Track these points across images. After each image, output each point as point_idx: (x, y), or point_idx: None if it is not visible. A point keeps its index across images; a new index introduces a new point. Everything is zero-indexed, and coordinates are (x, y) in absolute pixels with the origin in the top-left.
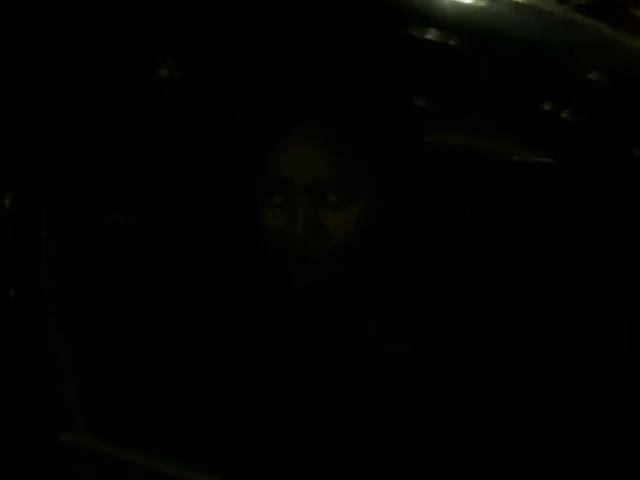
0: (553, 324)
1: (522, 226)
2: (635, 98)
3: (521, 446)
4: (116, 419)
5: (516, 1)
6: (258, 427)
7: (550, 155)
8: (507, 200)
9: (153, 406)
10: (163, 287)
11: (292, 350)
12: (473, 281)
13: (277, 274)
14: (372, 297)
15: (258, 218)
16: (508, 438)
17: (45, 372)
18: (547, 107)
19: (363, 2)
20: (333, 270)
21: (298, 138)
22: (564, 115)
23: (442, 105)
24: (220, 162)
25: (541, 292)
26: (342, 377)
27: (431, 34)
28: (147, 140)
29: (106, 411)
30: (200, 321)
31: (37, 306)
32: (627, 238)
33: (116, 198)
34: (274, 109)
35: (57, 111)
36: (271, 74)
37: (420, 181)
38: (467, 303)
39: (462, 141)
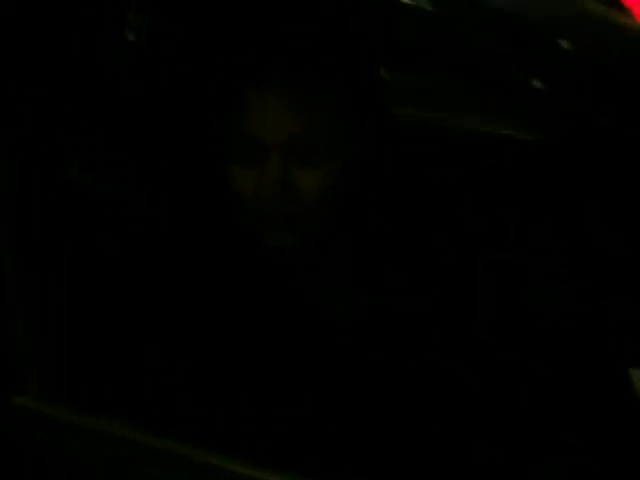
0: (515, 304)
1: (490, 201)
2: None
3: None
4: (71, 384)
5: None
6: (216, 385)
7: (522, 126)
8: (476, 173)
9: (108, 370)
10: (127, 247)
11: (260, 312)
12: (434, 252)
13: (247, 235)
14: (338, 262)
15: (228, 178)
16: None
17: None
18: (519, 77)
19: None
20: (303, 231)
21: (270, 95)
22: (537, 85)
23: (413, 71)
24: (189, 120)
25: (507, 272)
26: (305, 343)
27: None
28: (115, 98)
29: (61, 376)
30: (165, 281)
31: None
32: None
33: (85, 157)
34: (244, 66)
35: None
36: (241, 29)
37: (388, 146)
38: (428, 275)
39: (432, 109)
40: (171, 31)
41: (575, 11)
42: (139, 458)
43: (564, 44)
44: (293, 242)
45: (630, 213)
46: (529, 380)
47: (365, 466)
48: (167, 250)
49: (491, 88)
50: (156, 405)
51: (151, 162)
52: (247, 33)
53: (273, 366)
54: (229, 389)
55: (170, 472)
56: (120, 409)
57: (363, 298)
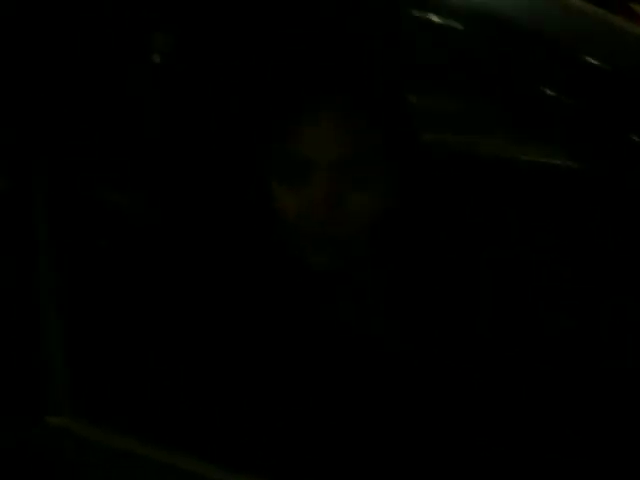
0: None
1: (523, 220)
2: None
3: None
4: (105, 404)
5: None
6: (255, 412)
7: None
8: (508, 196)
9: (143, 392)
10: (165, 270)
11: (298, 333)
12: (473, 277)
13: (293, 257)
14: (374, 285)
15: (274, 199)
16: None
17: (36, 357)
18: (549, 94)
19: None
20: (346, 253)
21: (319, 117)
22: (565, 101)
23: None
24: (233, 143)
25: (540, 291)
26: (342, 364)
27: (437, 18)
28: (156, 120)
29: (95, 396)
30: (202, 302)
31: (29, 289)
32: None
33: (123, 180)
34: (294, 88)
35: (54, 94)
36: (290, 53)
37: (424, 171)
38: (469, 301)
39: (463, 132)
40: (220, 50)
41: (598, 25)
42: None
43: (594, 60)
44: (336, 264)
45: None
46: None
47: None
48: (205, 269)
49: (521, 108)
50: (190, 426)
51: (194, 179)
52: (300, 56)
53: (311, 388)
54: (267, 410)
55: None
56: (151, 429)
57: (397, 320)
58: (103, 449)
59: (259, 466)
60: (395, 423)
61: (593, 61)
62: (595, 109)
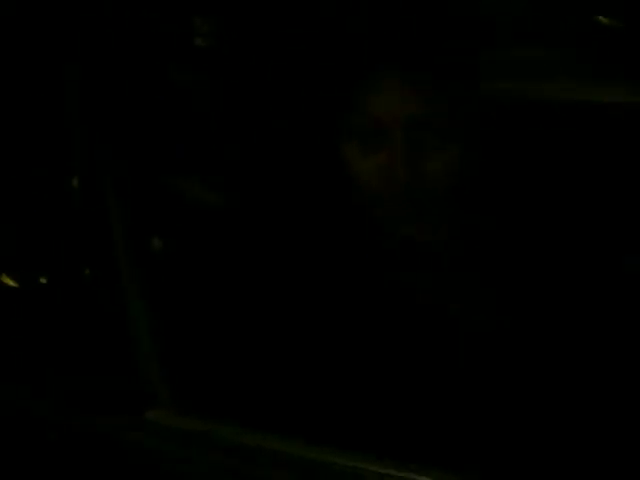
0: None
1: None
2: None
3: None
4: (199, 395)
5: None
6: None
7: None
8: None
9: (235, 380)
10: (249, 258)
11: (383, 307)
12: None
13: (368, 224)
14: (455, 254)
15: (350, 168)
16: None
17: (131, 354)
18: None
19: None
20: (428, 220)
21: (392, 78)
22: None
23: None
24: (309, 106)
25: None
26: (430, 339)
27: None
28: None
29: (188, 388)
30: (284, 284)
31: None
32: None
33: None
34: (359, 50)
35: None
36: (354, 15)
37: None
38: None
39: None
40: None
41: None
42: (270, 465)
43: None
44: (418, 231)
45: None
46: None
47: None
48: (285, 248)
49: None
50: (284, 410)
51: (266, 154)
52: (369, 20)
53: (397, 365)
54: (357, 388)
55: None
56: (250, 417)
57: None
58: (204, 441)
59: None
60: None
61: None
62: None
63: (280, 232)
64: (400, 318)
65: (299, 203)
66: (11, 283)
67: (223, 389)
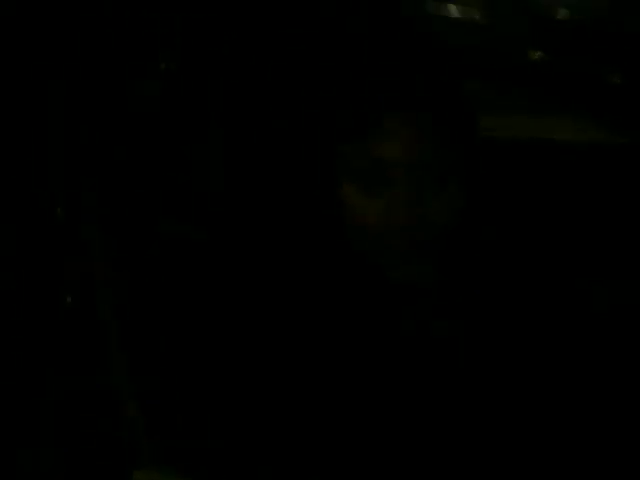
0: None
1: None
2: None
3: None
4: (182, 454)
5: None
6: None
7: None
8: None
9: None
10: (239, 297)
11: (382, 350)
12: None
13: (368, 270)
14: (455, 292)
15: (350, 207)
16: None
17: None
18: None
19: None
20: (430, 263)
21: (396, 122)
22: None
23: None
24: (307, 150)
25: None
26: (429, 378)
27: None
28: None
29: (172, 447)
30: (280, 323)
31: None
32: None
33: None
34: (367, 91)
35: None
36: (363, 57)
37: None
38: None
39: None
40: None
41: None
42: None
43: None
44: (420, 275)
45: None
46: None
47: None
48: (280, 288)
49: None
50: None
51: (265, 193)
52: (372, 60)
53: (395, 405)
54: (352, 426)
55: None
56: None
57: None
58: None
59: None
60: (471, 430)
61: None
62: None
63: (278, 275)
64: (393, 362)
65: (300, 245)
66: None
67: (207, 450)
